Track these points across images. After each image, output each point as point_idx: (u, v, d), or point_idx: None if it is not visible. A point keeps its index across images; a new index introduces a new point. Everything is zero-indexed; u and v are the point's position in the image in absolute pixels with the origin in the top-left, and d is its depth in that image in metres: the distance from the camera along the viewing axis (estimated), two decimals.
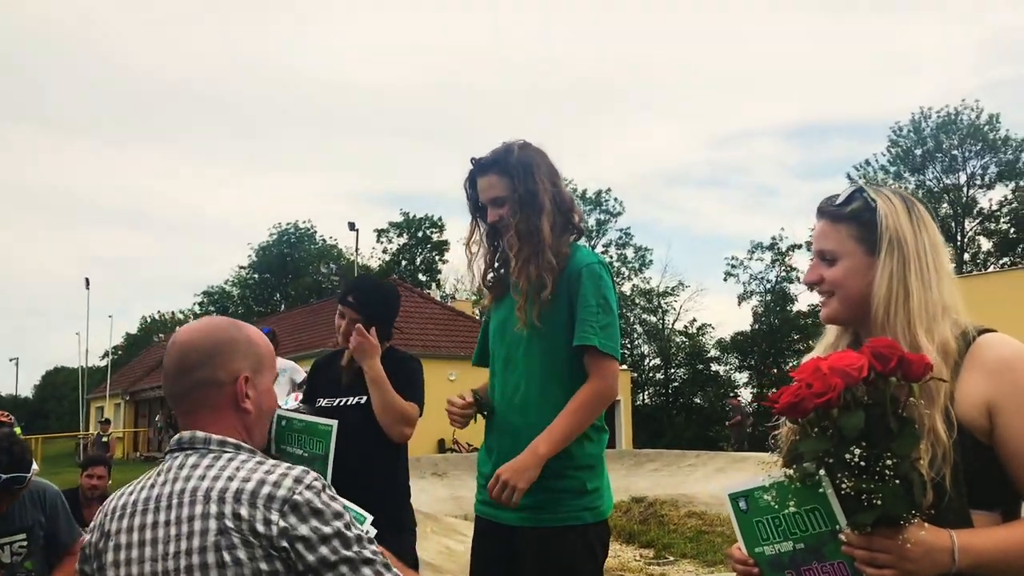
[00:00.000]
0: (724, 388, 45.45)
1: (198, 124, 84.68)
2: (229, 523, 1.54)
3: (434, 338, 26.30)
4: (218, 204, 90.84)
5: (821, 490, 1.48)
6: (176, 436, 1.73)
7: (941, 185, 42.40)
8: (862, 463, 1.40)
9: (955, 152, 41.84)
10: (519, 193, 2.70)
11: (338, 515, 1.58)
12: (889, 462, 1.40)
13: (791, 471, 1.51)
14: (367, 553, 1.58)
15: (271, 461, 1.66)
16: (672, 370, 47.58)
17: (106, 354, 49.31)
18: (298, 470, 1.61)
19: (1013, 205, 40.82)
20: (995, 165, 41.31)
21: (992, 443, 1.59)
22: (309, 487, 1.58)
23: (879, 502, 1.40)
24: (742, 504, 1.62)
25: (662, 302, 48.57)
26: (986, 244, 42.40)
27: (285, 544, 1.53)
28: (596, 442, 2.73)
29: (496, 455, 2.75)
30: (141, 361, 47.57)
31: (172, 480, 1.64)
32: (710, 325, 47.97)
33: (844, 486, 1.42)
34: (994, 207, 41.75)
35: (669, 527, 11.27)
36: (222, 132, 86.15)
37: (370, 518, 2.40)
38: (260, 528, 1.53)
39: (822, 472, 1.46)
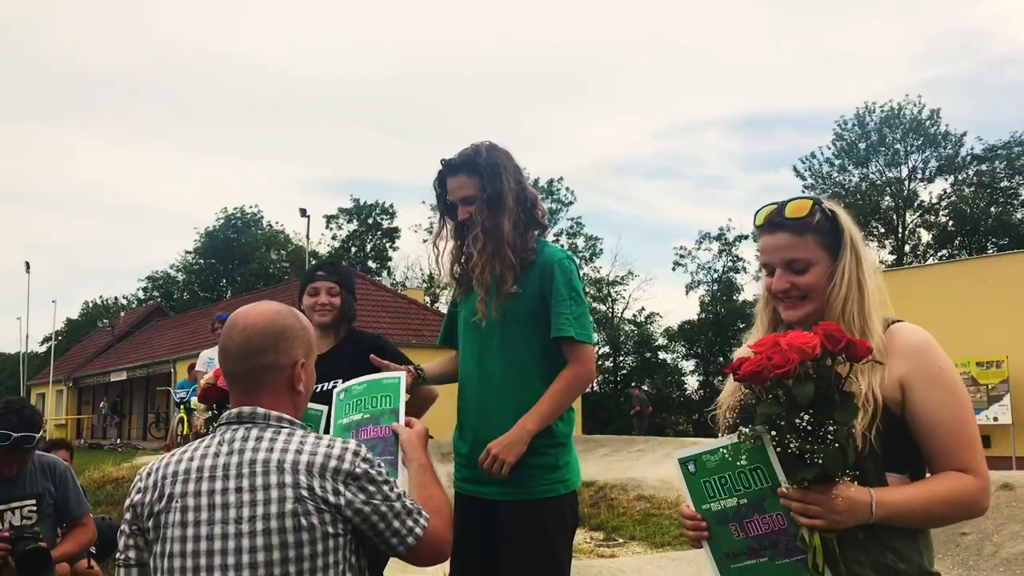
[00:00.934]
0: (672, 376, 46.11)
1: (143, 108, 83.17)
2: (304, 492, 1.74)
3: (386, 326, 26.27)
4: (163, 189, 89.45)
5: (766, 449, 1.71)
6: (236, 410, 1.87)
7: (884, 178, 43.33)
8: (808, 427, 1.63)
9: (897, 146, 42.76)
10: (487, 193, 2.87)
11: (386, 480, 1.84)
12: (831, 428, 1.63)
13: (746, 430, 1.73)
14: (408, 503, 1.86)
15: (326, 436, 1.86)
16: (621, 358, 48.13)
17: (47, 339, 48.39)
18: (352, 444, 1.84)
19: (952, 199, 41.90)
20: (935, 159, 42.33)
21: (903, 415, 1.84)
22: (365, 459, 1.83)
23: (819, 461, 1.64)
24: (691, 467, 1.84)
25: (612, 291, 49.07)
26: (926, 236, 43.54)
27: (349, 512, 1.77)
28: (566, 421, 2.93)
29: (472, 434, 2.93)
30: (84, 347, 46.72)
31: (239, 451, 1.80)
32: (658, 314, 48.71)
33: (791, 446, 1.65)
34: (934, 200, 42.86)
35: (618, 510, 11.52)
36: (168, 117, 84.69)
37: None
38: (331, 498, 1.76)
39: (769, 435, 1.69)
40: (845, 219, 1.96)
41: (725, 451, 1.78)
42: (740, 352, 1.92)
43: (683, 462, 1.85)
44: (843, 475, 1.67)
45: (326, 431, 2.93)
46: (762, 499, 1.75)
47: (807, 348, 1.64)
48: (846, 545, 1.72)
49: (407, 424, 2.33)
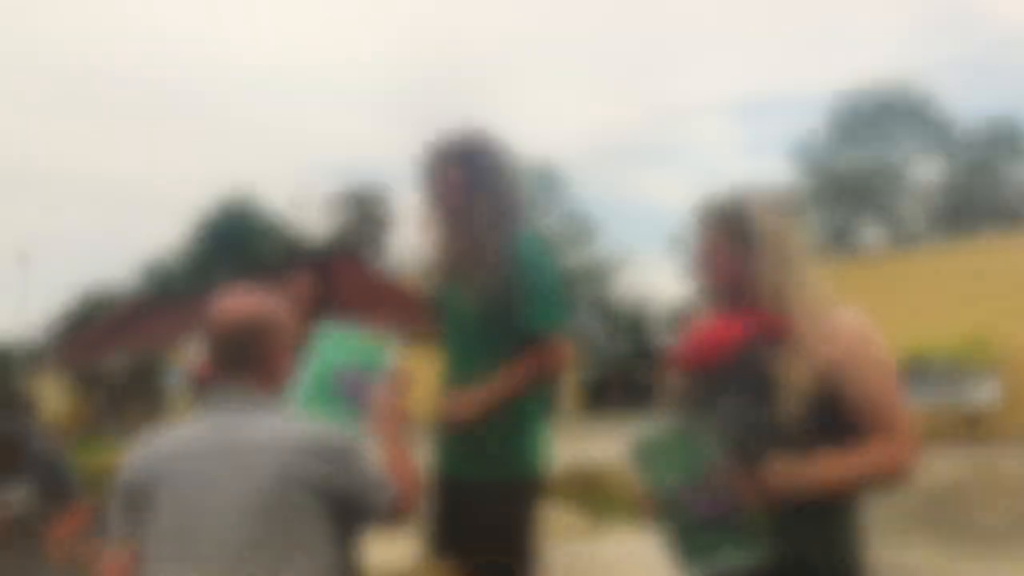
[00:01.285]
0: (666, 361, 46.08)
1: (141, 96, 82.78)
2: (288, 470, 1.87)
3: (380, 314, 26.32)
4: (161, 178, 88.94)
5: (703, 432, 1.87)
6: (223, 394, 2.00)
7: (878, 161, 43.25)
8: (736, 411, 1.79)
9: (892, 129, 42.66)
10: (472, 182, 2.95)
11: (362, 456, 1.98)
12: (759, 409, 1.79)
13: (684, 414, 1.90)
14: (379, 475, 2.00)
15: (307, 418, 2.01)
16: (616, 343, 48.16)
17: (44, 329, 48.38)
18: (333, 425, 1.99)
19: (946, 181, 41.87)
20: (930, 143, 42.28)
21: (833, 393, 1.96)
22: (343, 437, 1.98)
23: (751, 442, 1.80)
24: (641, 450, 1.99)
25: (605, 276, 48.99)
26: (920, 219, 43.44)
27: (329, 487, 1.91)
28: (535, 405, 3.02)
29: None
30: (82, 337, 46.69)
31: (225, 432, 1.93)
32: (654, 299, 48.70)
33: (724, 428, 1.80)
34: (928, 183, 42.77)
35: (612, 492, 11.66)
36: (165, 104, 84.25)
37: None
38: (313, 475, 1.89)
39: (704, 419, 1.84)
40: (771, 215, 2.07)
41: (669, 434, 1.94)
42: (681, 340, 2.06)
43: (633, 445, 1.99)
44: (774, 451, 1.82)
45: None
46: (703, 477, 1.90)
47: (730, 335, 1.80)
48: (779, 516, 1.86)
49: (390, 388, 2.40)
